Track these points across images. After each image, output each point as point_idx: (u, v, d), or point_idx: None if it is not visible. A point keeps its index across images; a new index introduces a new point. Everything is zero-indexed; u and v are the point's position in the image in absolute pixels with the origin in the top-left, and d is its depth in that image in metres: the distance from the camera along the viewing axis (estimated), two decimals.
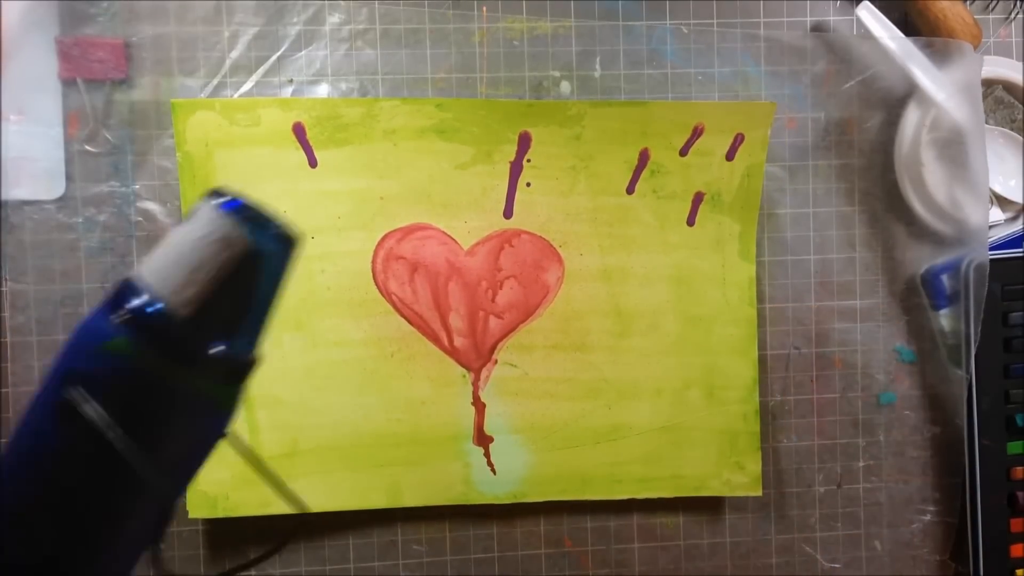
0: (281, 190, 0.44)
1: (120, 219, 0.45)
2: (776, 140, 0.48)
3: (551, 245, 0.46)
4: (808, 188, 0.48)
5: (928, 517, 0.50)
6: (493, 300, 0.46)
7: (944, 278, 0.48)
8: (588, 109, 0.45)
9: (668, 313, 0.47)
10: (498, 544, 0.48)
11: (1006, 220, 0.49)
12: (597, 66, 0.46)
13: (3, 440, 0.45)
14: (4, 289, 0.44)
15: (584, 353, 0.47)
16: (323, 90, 0.45)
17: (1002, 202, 0.48)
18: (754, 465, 0.48)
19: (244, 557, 0.46)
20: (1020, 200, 0.48)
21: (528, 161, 0.45)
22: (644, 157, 0.46)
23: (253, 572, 0.46)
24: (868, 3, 0.46)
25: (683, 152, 0.46)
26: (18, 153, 0.43)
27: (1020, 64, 0.48)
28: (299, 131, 0.44)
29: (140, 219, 0.45)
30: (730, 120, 0.46)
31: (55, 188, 0.44)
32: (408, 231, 0.45)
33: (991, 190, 0.47)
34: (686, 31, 0.47)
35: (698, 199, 0.46)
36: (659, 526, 0.49)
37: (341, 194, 0.44)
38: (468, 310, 0.46)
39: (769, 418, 0.49)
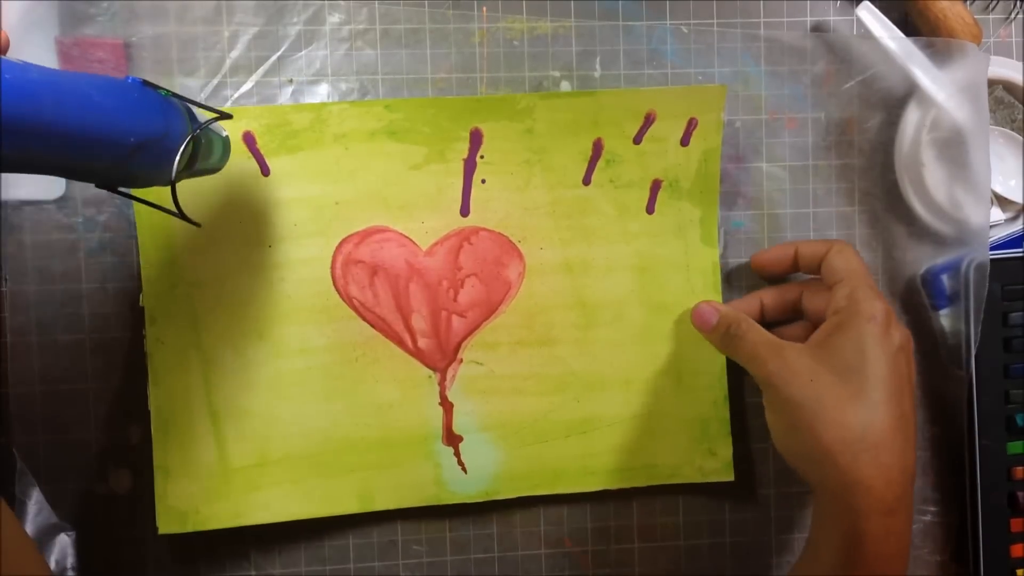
0: (236, 200, 0.44)
1: (120, 219, 0.45)
2: (776, 140, 0.48)
3: (510, 241, 0.46)
4: (808, 188, 0.48)
5: (928, 517, 0.50)
6: (455, 299, 0.46)
7: (944, 278, 0.48)
8: (538, 101, 0.45)
9: (632, 302, 0.47)
10: (498, 544, 0.48)
11: (1006, 220, 0.49)
12: (597, 66, 0.46)
13: (2, 440, 0.45)
14: (4, 290, 0.44)
15: (550, 347, 0.47)
16: (323, 90, 0.45)
17: (1002, 202, 0.49)
18: (725, 451, 0.47)
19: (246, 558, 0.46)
20: (1020, 200, 0.48)
21: (482, 158, 0.45)
22: (598, 147, 0.46)
23: (253, 572, 0.46)
24: (868, 3, 0.46)
25: (637, 140, 0.46)
26: None
27: (1020, 64, 0.48)
28: (249, 140, 0.43)
29: None
30: (682, 105, 0.46)
31: (55, 188, 0.44)
32: (365, 235, 0.45)
33: (991, 190, 0.47)
34: (686, 31, 0.47)
35: (656, 186, 0.46)
36: (659, 526, 0.49)
37: (296, 201, 0.44)
38: (430, 310, 0.45)
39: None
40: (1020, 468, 0.48)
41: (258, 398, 0.45)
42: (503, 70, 0.46)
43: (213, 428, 0.44)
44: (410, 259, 0.45)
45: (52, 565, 0.45)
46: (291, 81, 0.45)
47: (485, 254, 0.46)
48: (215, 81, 0.44)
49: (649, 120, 0.46)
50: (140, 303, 0.44)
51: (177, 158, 0.33)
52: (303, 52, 0.45)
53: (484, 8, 0.46)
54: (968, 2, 0.48)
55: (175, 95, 0.34)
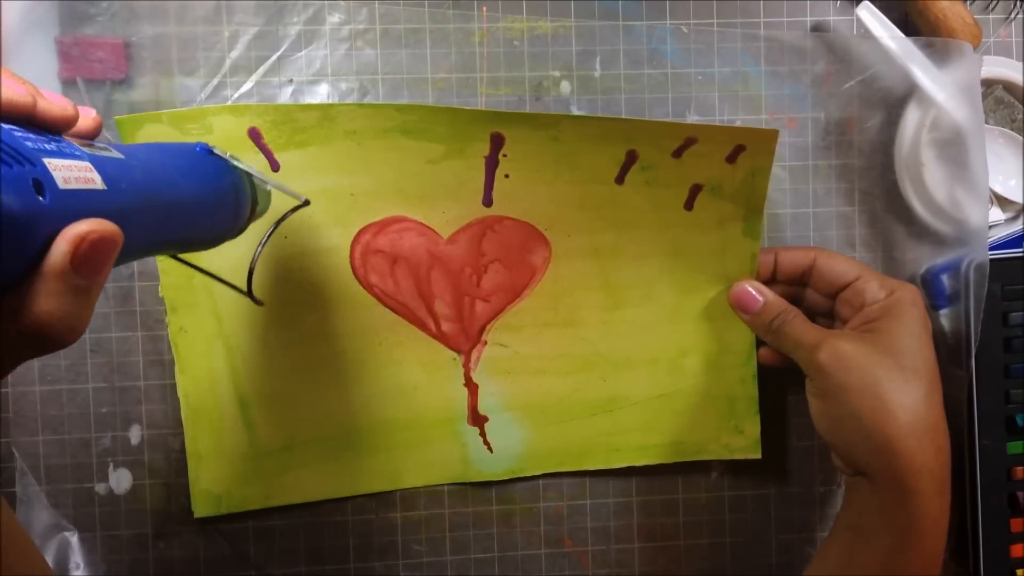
0: None
1: None
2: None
3: (536, 228, 0.45)
4: (808, 188, 0.48)
5: None
6: (478, 285, 0.45)
7: (944, 278, 0.48)
8: (563, 119, 0.42)
9: (662, 284, 0.46)
10: (498, 544, 0.48)
11: (1006, 220, 0.49)
12: (597, 66, 0.46)
13: (2, 440, 0.45)
14: None
15: (575, 328, 0.46)
16: (323, 90, 0.45)
17: (1002, 202, 0.49)
18: (753, 428, 0.47)
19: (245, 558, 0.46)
20: (1020, 200, 0.48)
21: (504, 156, 0.43)
22: (632, 156, 0.43)
23: (253, 573, 0.46)
24: (868, 3, 0.46)
25: (676, 155, 0.43)
26: None
27: (1020, 64, 0.48)
28: (255, 135, 0.42)
29: None
30: (729, 136, 0.43)
31: None
32: (384, 224, 0.44)
33: (991, 190, 0.47)
34: (686, 31, 0.47)
35: (696, 189, 0.44)
36: (659, 526, 0.49)
37: (309, 193, 0.42)
38: (453, 296, 0.45)
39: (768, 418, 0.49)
40: (1020, 468, 0.48)
41: (284, 382, 0.45)
42: (503, 70, 0.46)
43: (241, 413, 0.45)
44: (431, 248, 0.45)
45: (52, 565, 0.45)
46: (291, 81, 0.45)
47: (510, 240, 0.45)
48: (215, 81, 0.44)
49: (690, 142, 0.43)
50: (160, 293, 0.44)
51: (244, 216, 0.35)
52: (303, 52, 0.45)
53: (484, 8, 0.46)
54: (968, 2, 0.48)
55: (236, 161, 0.35)
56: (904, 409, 0.38)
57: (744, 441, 0.47)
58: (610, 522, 0.48)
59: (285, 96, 0.45)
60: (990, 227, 0.48)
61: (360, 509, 0.47)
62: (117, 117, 0.41)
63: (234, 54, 0.44)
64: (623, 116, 0.46)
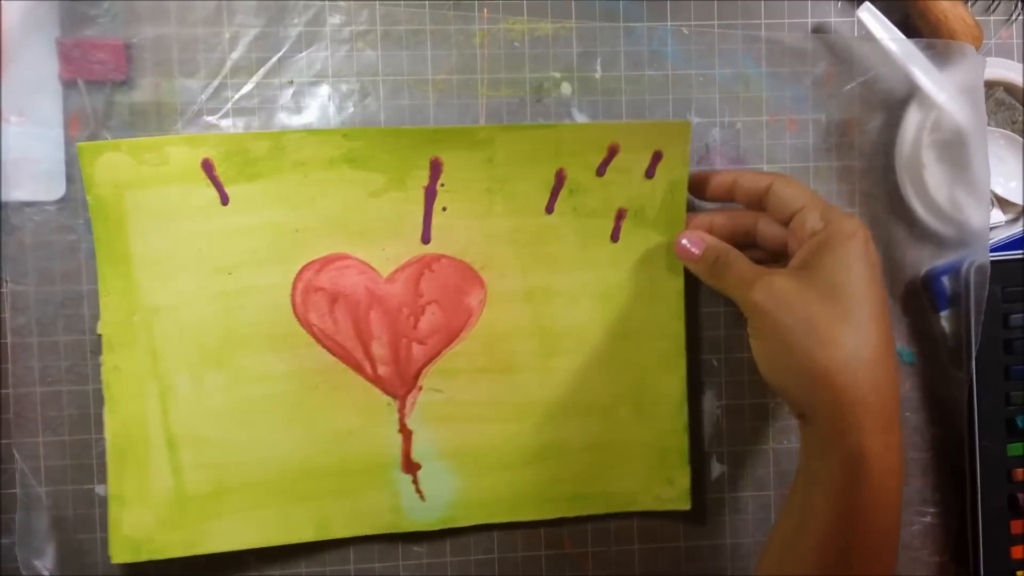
0: (194, 229, 0.43)
1: None
2: (777, 142, 0.48)
3: (471, 268, 0.45)
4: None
5: (928, 519, 0.50)
6: (415, 327, 0.45)
7: (945, 280, 0.48)
8: (497, 133, 0.44)
9: (595, 330, 0.46)
10: (498, 545, 0.48)
11: (1007, 222, 0.49)
12: (598, 67, 0.46)
13: (3, 441, 0.45)
14: (4, 290, 0.44)
15: (510, 375, 0.46)
16: (324, 91, 0.45)
17: (1003, 204, 0.49)
18: (683, 479, 0.47)
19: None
20: (1021, 202, 0.48)
21: (442, 186, 0.44)
22: (560, 177, 0.45)
23: (253, 573, 0.46)
24: (869, 4, 0.46)
25: (600, 172, 0.45)
26: (18, 154, 0.43)
27: (1021, 66, 0.48)
28: (208, 167, 0.43)
29: None
30: (646, 139, 0.45)
31: (55, 189, 0.44)
32: (326, 262, 0.44)
33: (992, 192, 0.47)
34: (687, 32, 0.47)
35: (620, 215, 0.45)
36: (659, 527, 0.49)
37: (255, 228, 0.44)
38: (390, 338, 0.45)
39: (770, 419, 0.49)
40: (1020, 470, 0.48)
41: (216, 425, 0.44)
42: (504, 71, 0.46)
43: (170, 456, 0.44)
44: (371, 286, 0.45)
45: (52, 566, 0.45)
46: (292, 82, 0.45)
47: (446, 281, 0.45)
48: (216, 83, 0.44)
49: (612, 152, 0.44)
50: (97, 331, 0.44)
51: None
52: (304, 53, 0.45)
53: (485, 9, 0.46)
54: (969, 3, 0.48)
55: None
56: (835, 344, 0.38)
57: (674, 492, 0.47)
58: (610, 523, 0.48)
59: (286, 98, 0.45)
60: (991, 229, 0.48)
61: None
62: (80, 144, 0.42)
63: (235, 55, 0.44)
64: (553, 123, 0.46)
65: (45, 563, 0.44)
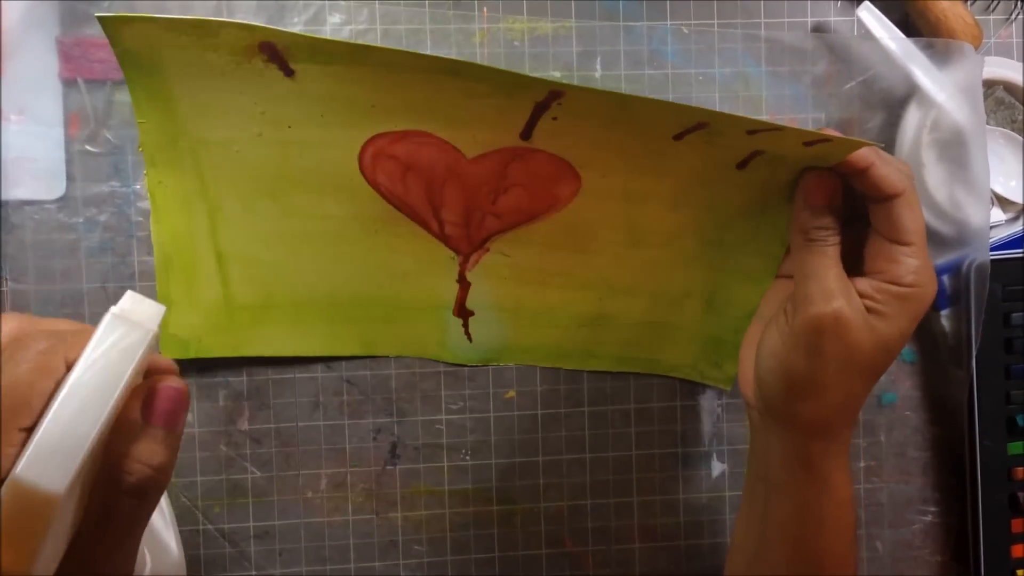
0: (248, 90, 0.37)
1: (121, 219, 0.45)
2: None
3: (570, 165, 0.41)
4: None
5: (929, 518, 0.50)
6: (494, 203, 0.42)
7: (945, 279, 0.48)
8: (634, 100, 0.37)
9: (688, 234, 0.43)
10: (498, 544, 0.48)
11: (1007, 221, 0.49)
12: (598, 67, 0.46)
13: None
14: (4, 289, 0.44)
15: (585, 256, 0.44)
16: None
17: (1003, 203, 0.49)
18: (731, 367, 0.47)
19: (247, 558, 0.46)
20: (1021, 201, 0.48)
21: (558, 104, 0.37)
22: (702, 125, 0.37)
23: (253, 572, 0.46)
24: (869, 4, 0.46)
25: (752, 133, 0.37)
26: (18, 153, 0.43)
27: (1021, 65, 0.48)
28: (267, 48, 0.35)
29: (140, 219, 0.45)
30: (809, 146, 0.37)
31: (56, 188, 0.44)
32: (404, 135, 0.39)
33: (992, 191, 0.47)
34: (687, 31, 0.47)
35: (755, 154, 0.39)
36: (659, 526, 0.49)
37: (324, 98, 0.38)
38: (464, 208, 0.42)
39: None
40: (1021, 469, 0.48)
41: (266, 248, 0.43)
42: None
43: (218, 268, 0.43)
44: (451, 164, 0.40)
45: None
46: None
47: (538, 170, 0.41)
48: None
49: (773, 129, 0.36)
50: (138, 148, 0.41)
51: None
52: None
53: (485, 8, 0.46)
54: (969, 3, 0.48)
55: None
56: (843, 392, 0.37)
57: (719, 374, 0.47)
58: (610, 522, 0.48)
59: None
60: (991, 228, 0.48)
61: (360, 509, 0.47)
62: (99, 15, 0.34)
63: None
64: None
65: None
